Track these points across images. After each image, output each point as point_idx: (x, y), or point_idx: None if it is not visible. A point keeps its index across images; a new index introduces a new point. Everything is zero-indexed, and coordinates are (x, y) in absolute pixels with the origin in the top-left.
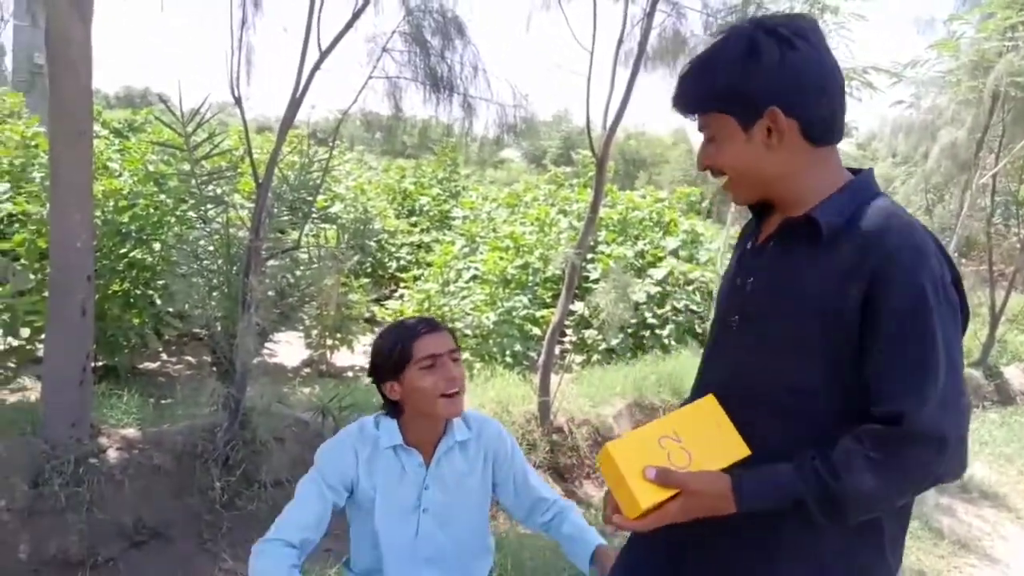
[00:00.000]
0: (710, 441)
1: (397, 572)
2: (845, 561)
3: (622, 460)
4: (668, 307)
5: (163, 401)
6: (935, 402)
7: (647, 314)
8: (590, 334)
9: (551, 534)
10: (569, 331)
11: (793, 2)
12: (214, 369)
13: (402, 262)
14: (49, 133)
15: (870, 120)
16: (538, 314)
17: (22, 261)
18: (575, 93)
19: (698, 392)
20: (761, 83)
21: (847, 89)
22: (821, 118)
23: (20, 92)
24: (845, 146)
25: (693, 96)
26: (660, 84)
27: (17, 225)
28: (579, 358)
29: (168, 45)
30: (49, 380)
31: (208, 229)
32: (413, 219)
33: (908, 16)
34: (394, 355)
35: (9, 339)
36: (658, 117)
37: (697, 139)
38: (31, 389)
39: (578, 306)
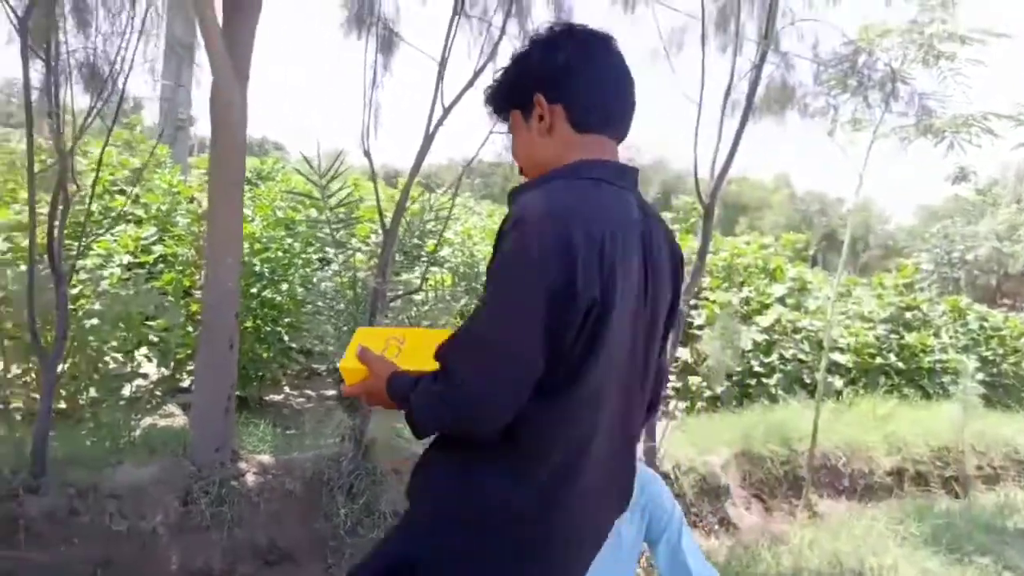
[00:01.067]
0: (422, 353)
1: None
2: (463, 470)
3: (356, 340)
4: (775, 355)
5: (289, 431)
6: (459, 341)
7: (753, 362)
8: (694, 381)
9: None
10: (672, 377)
11: (906, 50)
12: (340, 402)
13: None
14: (209, 184)
15: (992, 166)
16: None
17: (169, 298)
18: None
19: None
20: (529, 75)
21: (967, 136)
22: (583, 106)
23: (165, 144)
24: (963, 191)
25: (497, 100)
26: (767, 132)
27: (162, 265)
28: (682, 404)
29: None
30: (198, 407)
31: (336, 271)
32: None
33: None
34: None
35: (161, 369)
36: (760, 162)
37: (800, 183)
38: (176, 416)
39: (682, 352)
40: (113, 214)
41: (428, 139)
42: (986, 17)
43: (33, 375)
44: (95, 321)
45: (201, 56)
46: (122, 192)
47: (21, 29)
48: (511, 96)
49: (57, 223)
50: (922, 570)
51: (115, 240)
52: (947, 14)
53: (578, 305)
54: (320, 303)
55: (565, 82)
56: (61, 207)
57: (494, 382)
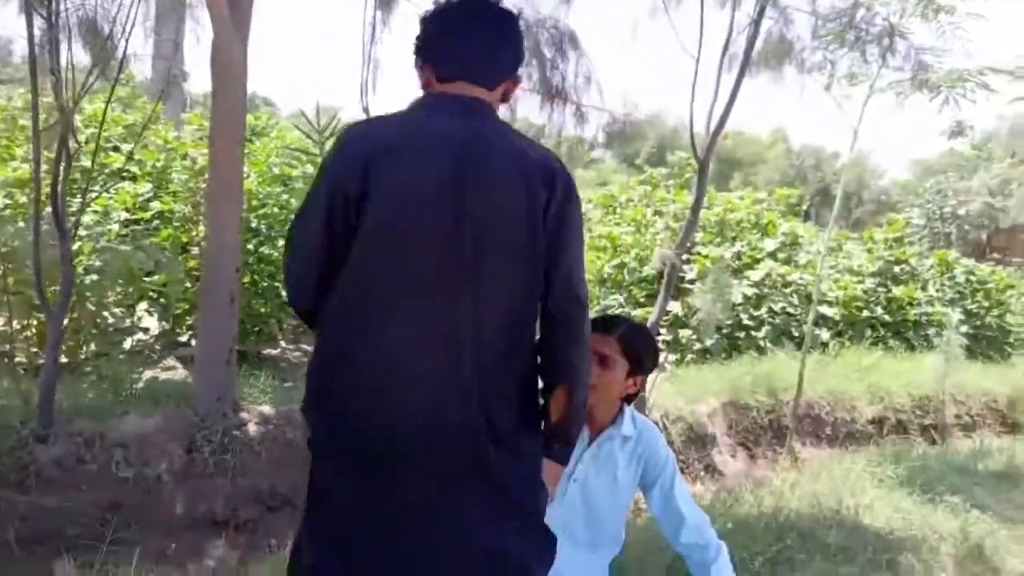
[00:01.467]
0: None
1: None
2: None
3: None
4: (764, 309)
5: (287, 384)
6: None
7: (743, 315)
8: (684, 334)
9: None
10: (663, 330)
11: (905, 4)
12: None
13: None
14: (210, 140)
15: (989, 121)
16: (634, 312)
17: (166, 254)
18: (670, 94)
19: None
20: (415, 46)
21: (961, 90)
22: (442, 63)
23: (158, 100)
24: (959, 145)
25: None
26: (764, 87)
27: (158, 221)
28: (672, 357)
29: (266, 51)
30: (200, 359)
31: None
32: None
33: None
34: None
35: (162, 323)
36: (756, 117)
37: (796, 138)
38: (176, 369)
39: (674, 306)
40: (107, 171)
41: None
42: None
43: (34, 329)
44: (95, 277)
45: (199, 13)
46: (116, 149)
47: None
48: (414, 63)
49: (60, 180)
50: (896, 508)
51: (112, 197)
52: None
53: (345, 201)
54: None
55: (429, 47)
56: (63, 164)
57: (290, 269)
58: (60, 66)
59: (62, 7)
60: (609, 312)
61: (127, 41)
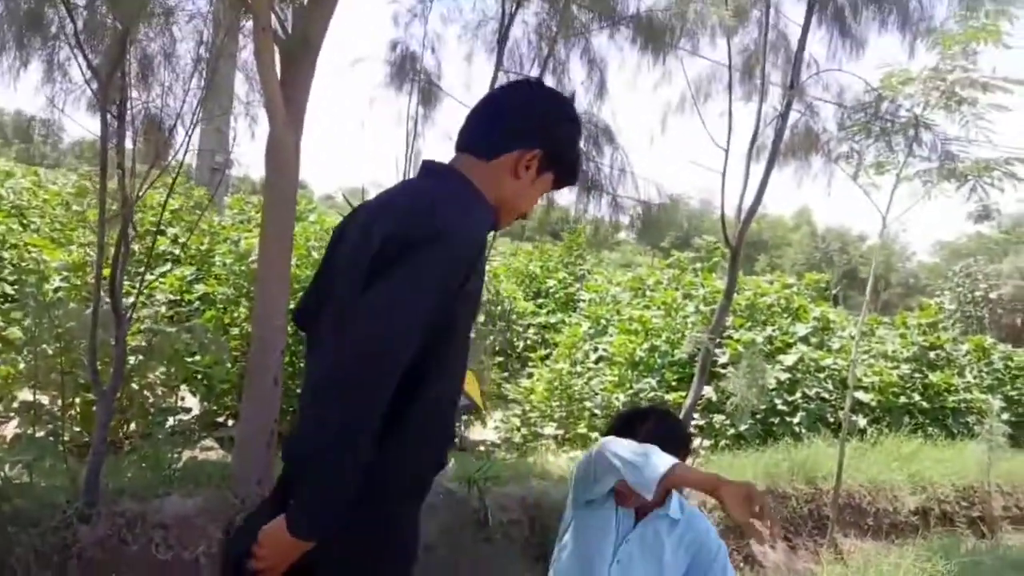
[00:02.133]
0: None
1: None
2: None
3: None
4: (799, 394)
5: None
6: None
7: (777, 401)
8: (718, 419)
9: None
10: (696, 415)
11: (928, 96)
12: None
13: (529, 342)
14: (262, 226)
15: (1014, 205)
16: (667, 396)
17: (209, 335)
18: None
19: None
20: None
21: (989, 179)
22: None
23: (202, 186)
24: (985, 229)
25: None
26: (792, 176)
27: (198, 303)
28: (707, 443)
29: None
30: (241, 440)
31: None
32: (539, 301)
33: None
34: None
35: (205, 404)
36: (781, 199)
37: (820, 220)
38: (214, 449)
39: (707, 390)
40: (153, 253)
41: None
42: (1010, 63)
43: (78, 408)
44: (141, 357)
45: (252, 108)
46: (162, 232)
47: (101, 90)
48: None
49: (120, 265)
50: None
51: (161, 280)
52: (969, 62)
53: None
54: None
55: None
56: (123, 250)
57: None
58: (124, 159)
59: (129, 105)
60: (641, 403)
61: (190, 137)
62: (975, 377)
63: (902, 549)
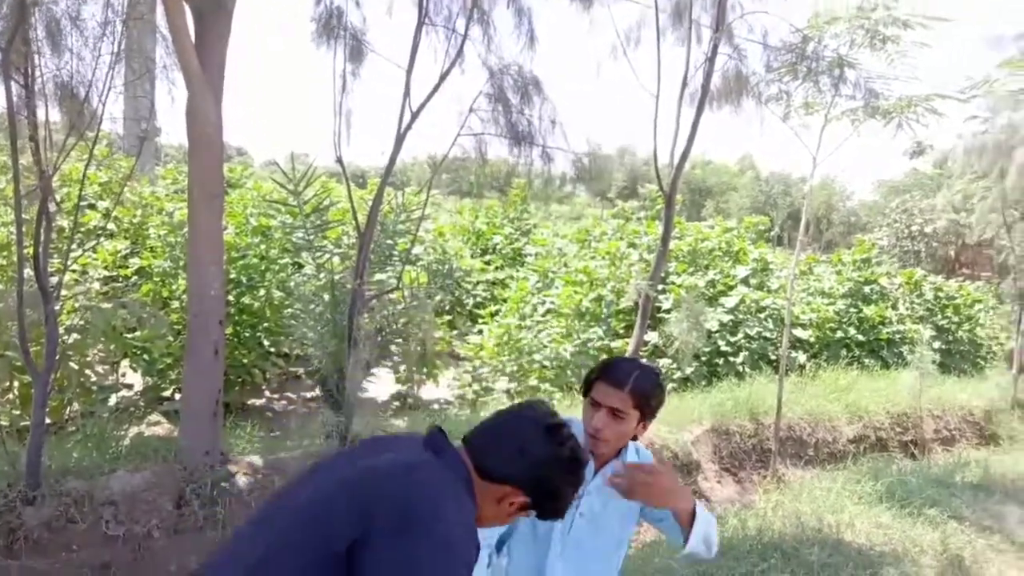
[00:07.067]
0: None
1: (529, 556)
2: None
3: None
4: (741, 335)
5: (273, 433)
6: None
7: (720, 342)
8: (664, 363)
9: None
10: (643, 360)
11: (853, 35)
12: (324, 402)
13: (478, 299)
14: (189, 197)
15: (945, 139)
16: (613, 344)
17: (148, 310)
18: (638, 127)
19: None
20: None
21: (913, 115)
22: None
23: (130, 156)
24: (920, 164)
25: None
26: (726, 119)
27: (135, 277)
28: None
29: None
30: (186, 413)
31: (316, 275)
32: (487, 257)
33: (981, 34)
34: (585, 384)
35: (147, 379)
36: (724, 147)
37: (764, 165)
38: (161, 423)
39: (651, 336)
40: (84, 229)
41: (399, 141)
42: (933, 2)
43: (16, 391)
44: (77, 336)
45: (174, 75)
46: (92, 207)
47: (3, 56)
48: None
49: (42, 242)
50: (876, 524)
51: (92, 255)
52: (891, 0)
53: None
54: (299, 307)
55: None
56: (44, 226)
57: None
58: (37, 130)
59: (38, 73)
60: (615, 356)
61: (104, 104)
62: (908, 309)
63: (836, 474)
